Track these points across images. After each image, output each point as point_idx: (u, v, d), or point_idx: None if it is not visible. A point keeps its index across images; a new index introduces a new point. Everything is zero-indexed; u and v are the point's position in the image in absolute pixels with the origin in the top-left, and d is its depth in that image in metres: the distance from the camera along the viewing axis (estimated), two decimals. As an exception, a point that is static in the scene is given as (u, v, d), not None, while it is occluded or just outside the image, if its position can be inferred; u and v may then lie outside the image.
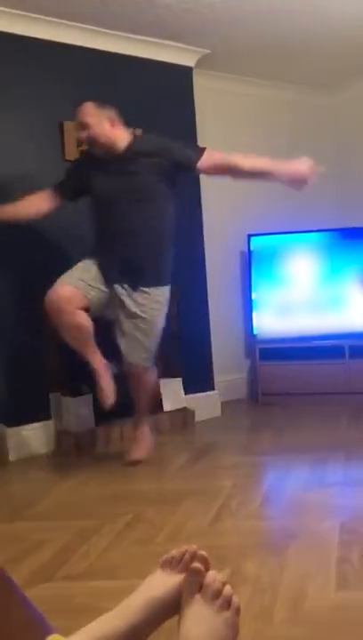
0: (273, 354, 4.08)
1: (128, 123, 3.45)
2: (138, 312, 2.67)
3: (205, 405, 3.78)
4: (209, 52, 3.74)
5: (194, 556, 1.01)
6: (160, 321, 2.75)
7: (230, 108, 4.27)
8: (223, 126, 4.21)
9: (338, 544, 1.88)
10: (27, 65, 3.22)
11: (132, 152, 2.69)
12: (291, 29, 3.53)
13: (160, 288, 2.74)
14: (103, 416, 3.35)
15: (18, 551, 1.97)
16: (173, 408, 3.62)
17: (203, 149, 2.73)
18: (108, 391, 2.63)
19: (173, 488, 2.55)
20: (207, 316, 3.86)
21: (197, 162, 2.69)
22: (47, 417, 3.26)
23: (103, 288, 2.68)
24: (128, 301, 2.67)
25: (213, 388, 3.89)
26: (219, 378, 3.99)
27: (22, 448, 3.17)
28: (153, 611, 0.96)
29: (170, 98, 3.69)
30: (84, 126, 2.68)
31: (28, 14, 3.13)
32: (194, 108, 3.79)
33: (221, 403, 3.90)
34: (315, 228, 4.17)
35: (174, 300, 3.76)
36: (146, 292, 2.69)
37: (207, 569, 1.00)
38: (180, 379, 3.69)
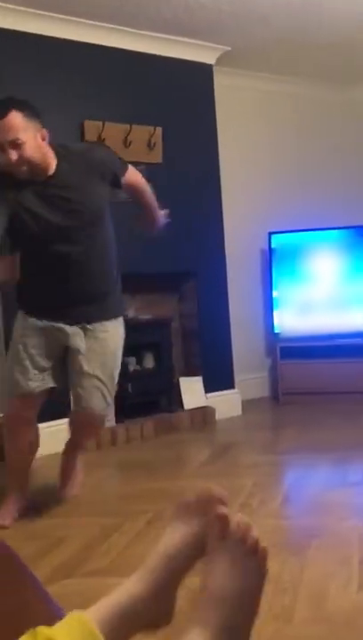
0: (294, 352, 4.05)
1: (148, 121, 3.48)
2: (98, 350, 2.30)
3: (226, 404, 3.77)
4: (229, 49, 3.72)
5: (212, 499, 0.99)
6: (119, 357, 2.38)
7: (250, 105, 4.25)
8: (242, 123, 4.19)
9: (360, 544, 1.87)
10: (45, 64, 3.22)
11: (66, 170, 2.16)
12: (311, 23, 3.50)
13: (118, 319, 2.39)
14: (124, 414, 3.37)
15: (40, 548, 1.99)
16: (194, 406, 3.62)
17: (127, 163, 2.32)
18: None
19: (194, 486, 2.54)
20: (228, 314, 3.84)
21: (123, 174, 2.29)
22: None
23: (48, 361, 2.31)
24: (86, 341, 2.29)
25: (234, 387, 3.88)
26: (239, 376, 3.97)
27: (44, 445, 3.18)
28: (175, 567, 0.94)
29: (190, 96, 3.68)
30: (14, 145, 1.99)
31: (45, 13, 3.14)
32: (214, 105, 3.79)
33: (242, 401, 3.89)
34: (336, 225, 4.13)
35: (195, 298, 3.79)
36: (104, 326, 2.32)
37: (225, 503, 0.98)
38: (200, 377, 3.70)
